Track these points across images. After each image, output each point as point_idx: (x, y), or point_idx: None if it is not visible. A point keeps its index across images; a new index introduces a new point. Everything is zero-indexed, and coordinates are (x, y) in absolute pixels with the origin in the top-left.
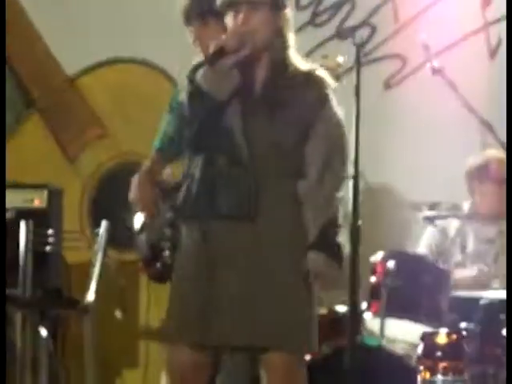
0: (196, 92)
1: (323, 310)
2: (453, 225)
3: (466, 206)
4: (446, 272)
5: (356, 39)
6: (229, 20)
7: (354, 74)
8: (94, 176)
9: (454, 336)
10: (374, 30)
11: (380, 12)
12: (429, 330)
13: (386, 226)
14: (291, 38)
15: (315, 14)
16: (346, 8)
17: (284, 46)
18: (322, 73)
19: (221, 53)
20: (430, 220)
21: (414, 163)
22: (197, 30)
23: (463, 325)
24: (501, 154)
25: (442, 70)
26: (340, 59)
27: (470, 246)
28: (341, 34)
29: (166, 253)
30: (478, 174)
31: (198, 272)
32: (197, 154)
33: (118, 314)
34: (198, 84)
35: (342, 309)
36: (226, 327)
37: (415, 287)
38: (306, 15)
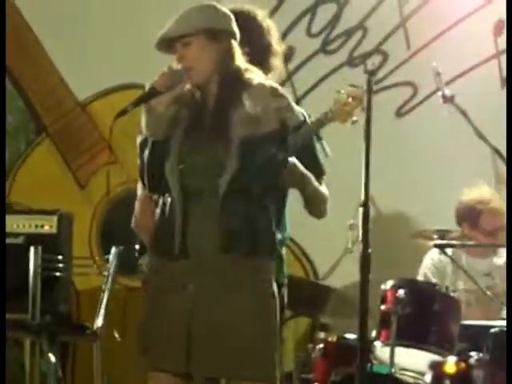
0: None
1: (332, 338)
2: (461, 253)
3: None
4: (455, 300)
5: (367, 66)
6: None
7: (365, 102)
8: (104, 202)
9: (463, 365)
10: (385, 57)
11: (392, 39)
12: (438, 358)
13: (396, 253)
14: (239, 64)
15: (326, 42)
16: (357, 35)
17: (228, 72)
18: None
19: (152, 93)
20: (440, 248)
21: (425, 191)
22: None
23: (473, 353)
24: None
25: (454, 97)
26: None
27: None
28: (352, 61)
29: None
30: (469, 218)
31: (168, 303)
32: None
33: (117, 335)
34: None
35: (351, 336)
36: (199, 357)
37: (425, 315)
38: (317, 42)
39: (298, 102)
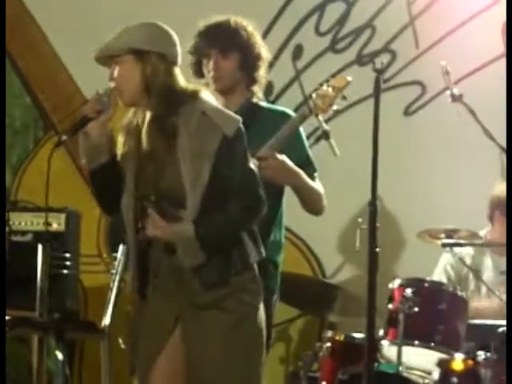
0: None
1: (340, 337)
2: (469, 252)
3: (483, 234)
4: (463, 299)
5: (376, 65)
6: None
7: (373, 101)
8: None
9: (471, 362)
10: (394, 56)
11: (400, 38)
12: (446, 357)
13: (403, 252)
14: (172, 82)
15: (335, 40)
16: (366, 34)
17: (157, 92)
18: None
19: (85, 121)
20: (448, 247)
21: (433, 190)
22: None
23: (480, 353)
24: None
25: (462, 96)
26: (348, 77)
27: (485, 275)
28: (361, 60)
29: None
30: (501, 205)
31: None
32: None
33: (121, 342)
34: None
35: (358, 335)
36: None
37: (432, 314)
38: (325, 41)
39: (306, 100)
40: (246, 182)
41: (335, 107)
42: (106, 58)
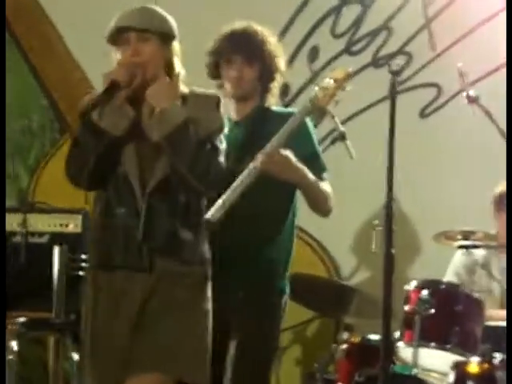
0: (92, 129)
1: (356, 338)
2: (481, 253)
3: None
4: (479, 301)
5: (392, 67)
6: (118, 50)
7: (389, 103)
8: None
9: (486, 365)
10: (410, 58)
11: (416, 40)
12: (462, 359)
13: (420, 254)
14: (179, 68)
15: (351, 42)
16: (381, 36)
17: (174, 79)
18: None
19: (114, 87)
20: (464, 249)
21: (449, 191)
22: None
23: (497, 355)
24: None
25: (478, 98)
26: (349, 68)
27: (496, 274)
28: (376, 62)
29: None
30: (500, 202)
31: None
32: (97, 198)
33: None
34: (93, 121)
35: (374, 337)
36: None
37: (448, 316)
38: (341, 43)
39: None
40: None
41: (337, 99)
42: (122, 35)
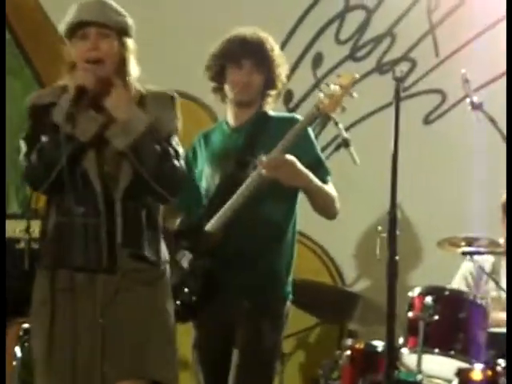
0: (61, 136)
1: (360, 345)
2: (489, 260)
3: (502, 242)
4: (483, 308)
5: (396, 73)
6: (75, 45)
7: (393, 109)
8: None
9: (490, 372)
10: (414, 64)
11: (420, 46)
12: (466, 365)
13: (423, 260)
14: (134, 67)
15: (355, 48)
16: (385, 42)
17: (127, 76)
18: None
19: (82, 93)
20: (468, 255)
21: (453, 198)
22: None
23: (501, 361)
24: None
25: (482, 104)
26: (355, 75)
27: (502, 281)
28: (381, 68)
29: (187, 292)
30: (504, 208)
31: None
32: (53, 200)
33: None
34: (62, 128)
35: (378, 344)
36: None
37: (452, 323)
38: (345, 49)
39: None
40: None
41: (343, 105)
42: (80, 30)
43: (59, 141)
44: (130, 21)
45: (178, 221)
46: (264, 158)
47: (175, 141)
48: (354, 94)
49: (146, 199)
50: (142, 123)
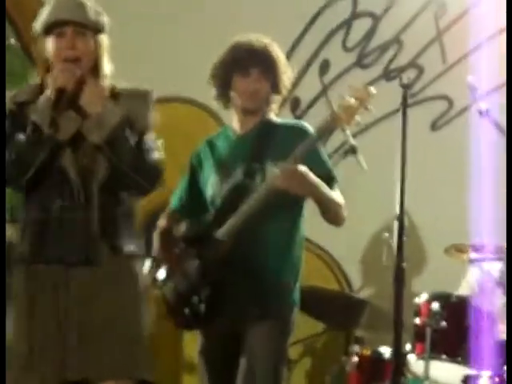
0: (39, 136)
1: (366, 351)
2: (496, 267)
3: None
4: (490, 315)
5: (403, 80)
6: (50, 43)
7: (400, 115)
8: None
9: (497, 379)
10: (421, 70)
11: (427, 53)
12: (472, 372)
13: (430, 267)
14: (108, 64)
15: (362, 55)
16: (392, 49)
17: (102, 74)
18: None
19: (61, 94)
20: (475, 262)
21: (461, 204)
22: (238, 81)
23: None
24: None
25: (489, 111)
26: (372, 89)
27: None
28: (388, 75)
29: (195, 300)
30: None
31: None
32: (30, 196)
33: None
34: (36, 123)
35: (385, 350)
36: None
37: (459, 329)
38: (352, 56)
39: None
40: None
41: (359, 118)
42: (57, 27)
43: (37, 139)
44: (104, 19)
45: (183, 227)
46: (275, 169)
47: (151, 136)
48: (370, 107)
49: (123, 193)
50: (115, 116)
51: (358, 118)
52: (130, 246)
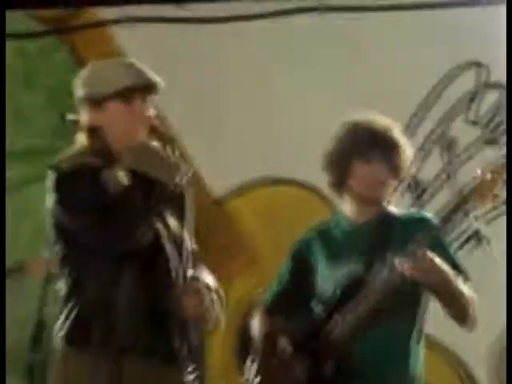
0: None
1: None
2: None
3: None
4: None
5: None
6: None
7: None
8: (240, 306)
9: None
10: None
11: None
12: None
13: None
14: None
15: (488, 130)
16: None
17: None
18: None
19: None
20: None
21: None
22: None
23: None
24: None
25: None
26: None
27: None
28: None
29: None
30: None
31: None
32: None
33: None
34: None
35: None
36: None
37: None
38: (478, 131)
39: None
40: None
41: (496, 193)
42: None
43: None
44: None
45: (286, 326)
46: (399, 259)
47: None
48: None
49: None
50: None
51: (497, 191)
52: None
